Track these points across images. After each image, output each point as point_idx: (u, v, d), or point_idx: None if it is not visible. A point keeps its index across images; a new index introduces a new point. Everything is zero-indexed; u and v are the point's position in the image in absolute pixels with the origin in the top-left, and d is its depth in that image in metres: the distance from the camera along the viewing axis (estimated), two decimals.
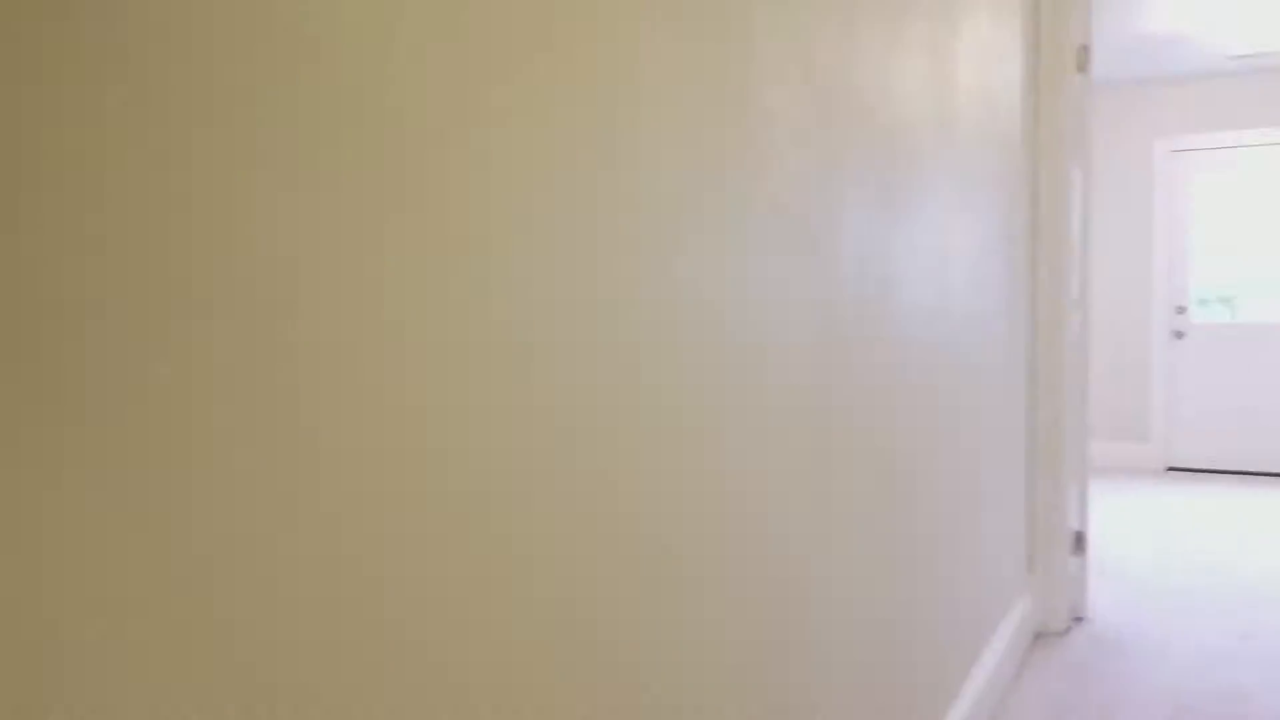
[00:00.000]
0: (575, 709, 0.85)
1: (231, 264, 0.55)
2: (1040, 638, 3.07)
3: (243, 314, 0.56)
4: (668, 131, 0.96)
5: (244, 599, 0.56)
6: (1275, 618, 3.17)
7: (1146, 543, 4.26)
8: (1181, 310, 6.29)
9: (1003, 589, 2.75)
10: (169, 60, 0.51)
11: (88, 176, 0.48)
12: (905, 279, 1.74)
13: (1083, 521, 3.25)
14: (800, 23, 1.27)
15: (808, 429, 1.33)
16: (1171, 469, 6.35)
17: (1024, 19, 2.83)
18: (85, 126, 0.48)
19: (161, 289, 0.51)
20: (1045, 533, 3.11)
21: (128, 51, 0.49)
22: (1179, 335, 6.29)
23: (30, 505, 0.46)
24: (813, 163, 1.32)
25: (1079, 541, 3.21)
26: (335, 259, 0.61)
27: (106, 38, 0.49)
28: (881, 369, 1.64)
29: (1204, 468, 6.26)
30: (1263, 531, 4.49)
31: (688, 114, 1.00)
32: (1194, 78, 6.15)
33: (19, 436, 0.45)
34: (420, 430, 0.68)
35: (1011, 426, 2.85)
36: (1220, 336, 6.22)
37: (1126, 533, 4.47)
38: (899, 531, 1.75)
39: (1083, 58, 3.10)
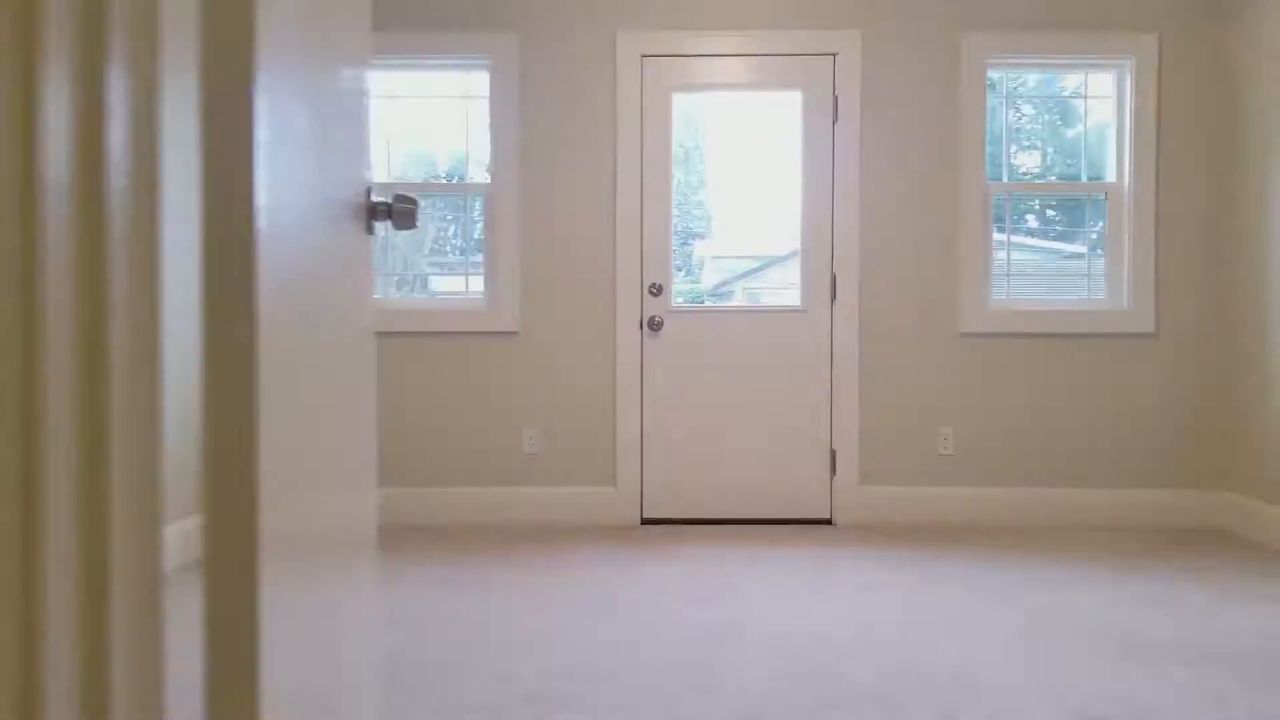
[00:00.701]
0: None
1: None
2: None
3: None
4: None
5: None
6: None
7: None
8: (657, 290, 4.33)
9: None
10: None
11: None
12: None
13: None
14: None
15: None
16: (649, 521, 4.36)
17: None
18: None
19: None
20: None
21: None
22: (656, 327, 4.33)
23: None
24: None
25: None
26: None
27: None
28: None
29: (689, 518, 4.36)
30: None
31: None
32: None
33: None
34: None
35: None
36: (698, 326, 4.37)
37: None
38: None
39: None
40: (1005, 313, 4.29)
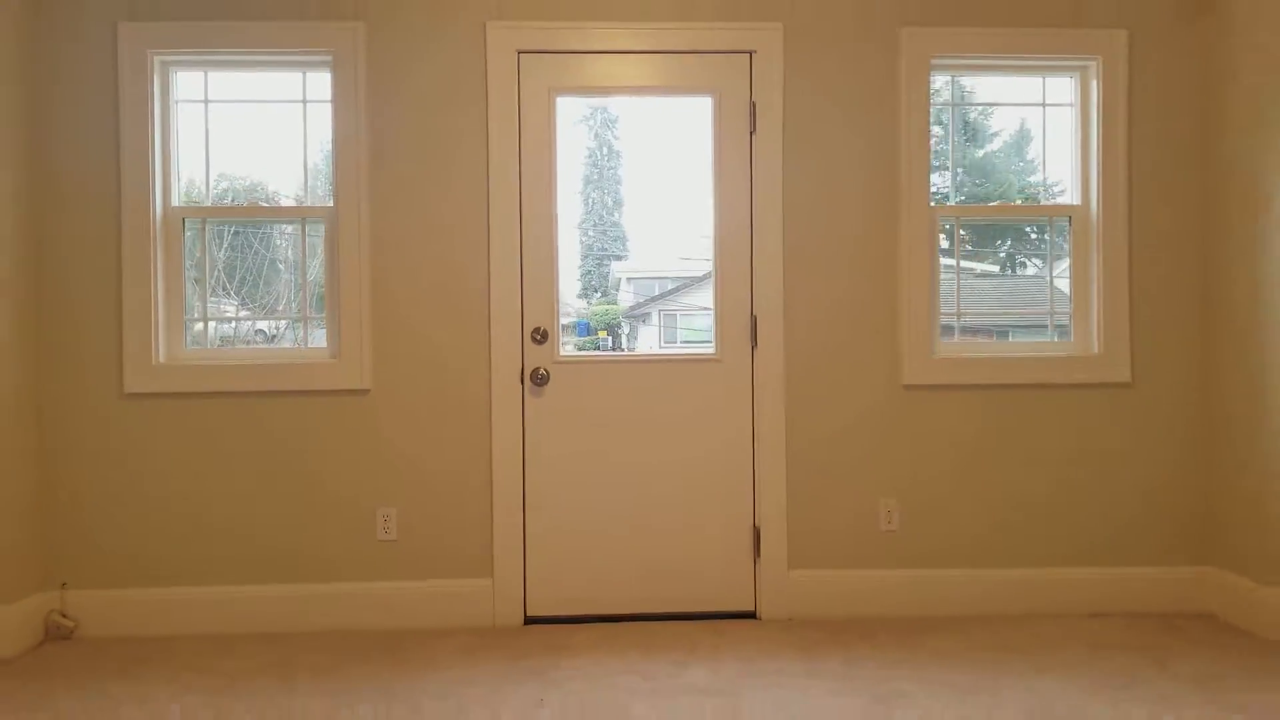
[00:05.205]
0: None
1: None
2: None
3: None
4: None
5: None
6: None
7: None
8: (541, 337, 3.55)
9: None
10: None
11: None
12: None
13: None
14: None
15: None
16: (534, 620, 3.57)
17: None
18: None
19: None
20: None
21: None
22: (540, 381, 3.55)
23: None
24: None
25: None
26: None
27: None
28: None
29: (583, 614, 3.58)
30: None
31: None
32: None
33: None
34: None
35: None
36: (590, 379, 3.60)
37: None
38: None
39: None
40: (955, 361, 3.60)
